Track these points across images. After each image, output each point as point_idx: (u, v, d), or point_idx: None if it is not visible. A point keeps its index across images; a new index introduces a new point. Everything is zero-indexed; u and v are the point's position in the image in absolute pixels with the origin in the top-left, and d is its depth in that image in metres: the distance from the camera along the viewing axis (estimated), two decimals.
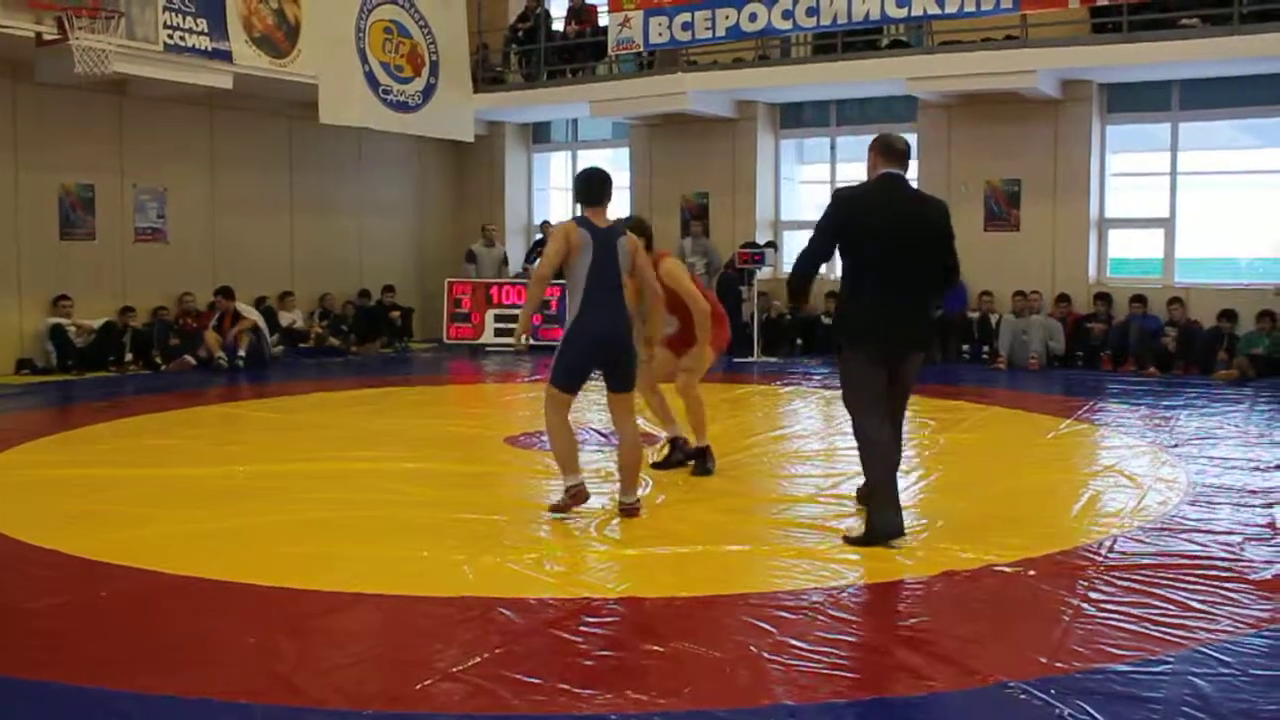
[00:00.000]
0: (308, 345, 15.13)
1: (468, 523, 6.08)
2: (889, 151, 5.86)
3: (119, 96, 13.62)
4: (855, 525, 5.85)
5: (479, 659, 4.04)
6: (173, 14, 12.22)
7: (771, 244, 15.54)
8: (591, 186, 6.26)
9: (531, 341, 7.37)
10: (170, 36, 12.13)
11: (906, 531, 5.66)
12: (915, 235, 5.65)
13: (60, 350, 12.91)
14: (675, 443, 7.60)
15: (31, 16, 10.43)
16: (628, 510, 6.19)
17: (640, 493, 6.38)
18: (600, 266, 6.06)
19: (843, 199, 5.88)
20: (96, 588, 4.99)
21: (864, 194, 5.83)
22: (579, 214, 6.27)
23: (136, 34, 11.31)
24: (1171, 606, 4.63)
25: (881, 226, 5.60)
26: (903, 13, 13.33)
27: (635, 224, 6.90)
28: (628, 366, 6.25)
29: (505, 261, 16.97)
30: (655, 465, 7.50)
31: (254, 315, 14.05)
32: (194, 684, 3.86)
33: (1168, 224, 14.08)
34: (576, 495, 6.21)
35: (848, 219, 5.70)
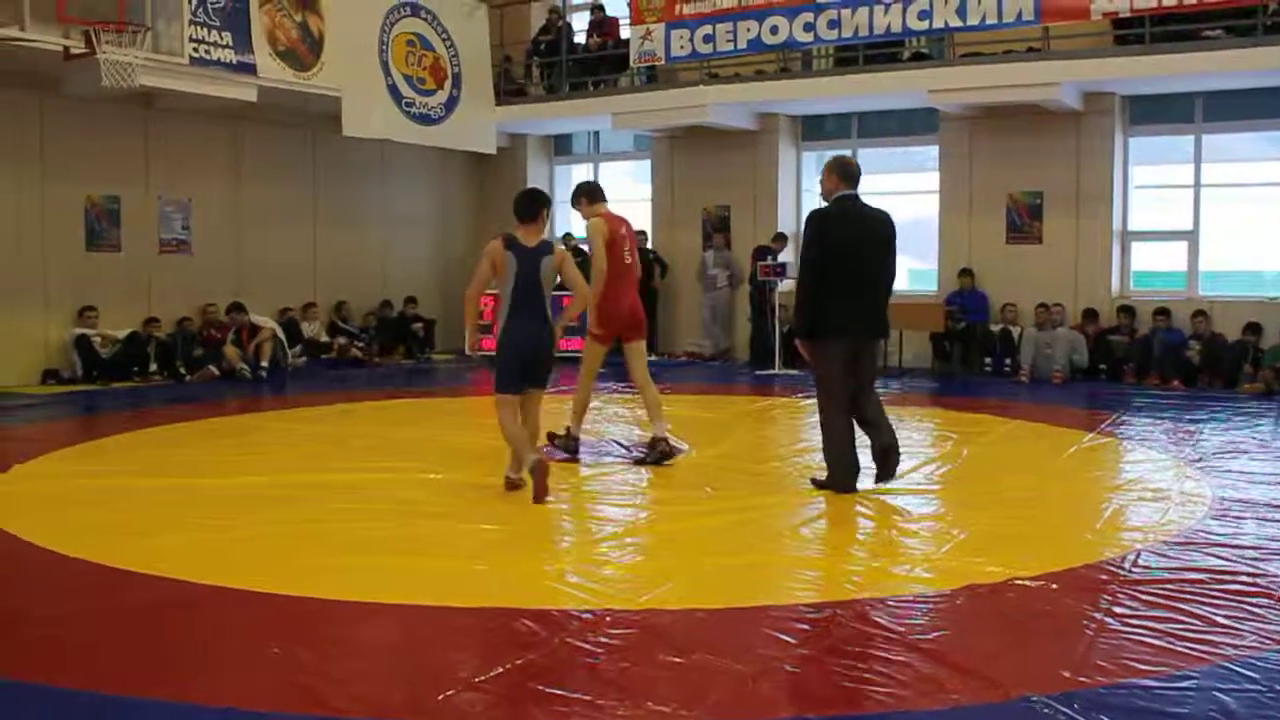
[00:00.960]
0: (330, 356, 15.20)
1: (489, 533, 6.11)
2: (846, 174, 7.17)
3: (144, 109, 13.75)
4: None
5: (501, 669, 4.05)
6: (198, 27, 12.31)
7: (776, 248, 15.43)
8: (522, 204, 7.07)
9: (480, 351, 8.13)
10: (195, 50, 12.23)
11: (931, 547, 5.69)
12: (875, 244, 7.04)
13: (85, 360, 13.00)
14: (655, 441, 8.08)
15: (60, 31, 10.53)
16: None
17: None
18: (524, 282, 6.88)
19: (820, 216, 7.04)
20: (120, 596, 5.02)
21: (836, 212, 7.06)
22: (510, 232, 7.00)
23: (162, 48, 11.41)
24: (1196, 621, 4.60)
25: (850, 238, 6.91)
26: (924, 25, 13.32)
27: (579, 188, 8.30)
28: (545, 368, 7.17)
29: None
30: (637, 461, 8.03)
31: (270, 325, 14.13)
32: (218, 692, 3.88)
33: (1191, 237, 14.00)
34: (539, 466, 6.77)
35: (824, 233, 6.91)
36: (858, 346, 7.00)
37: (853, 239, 6.91)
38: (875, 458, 7.10)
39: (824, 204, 7.26)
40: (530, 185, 18.03)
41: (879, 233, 7.11)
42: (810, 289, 6.93)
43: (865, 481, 7.12)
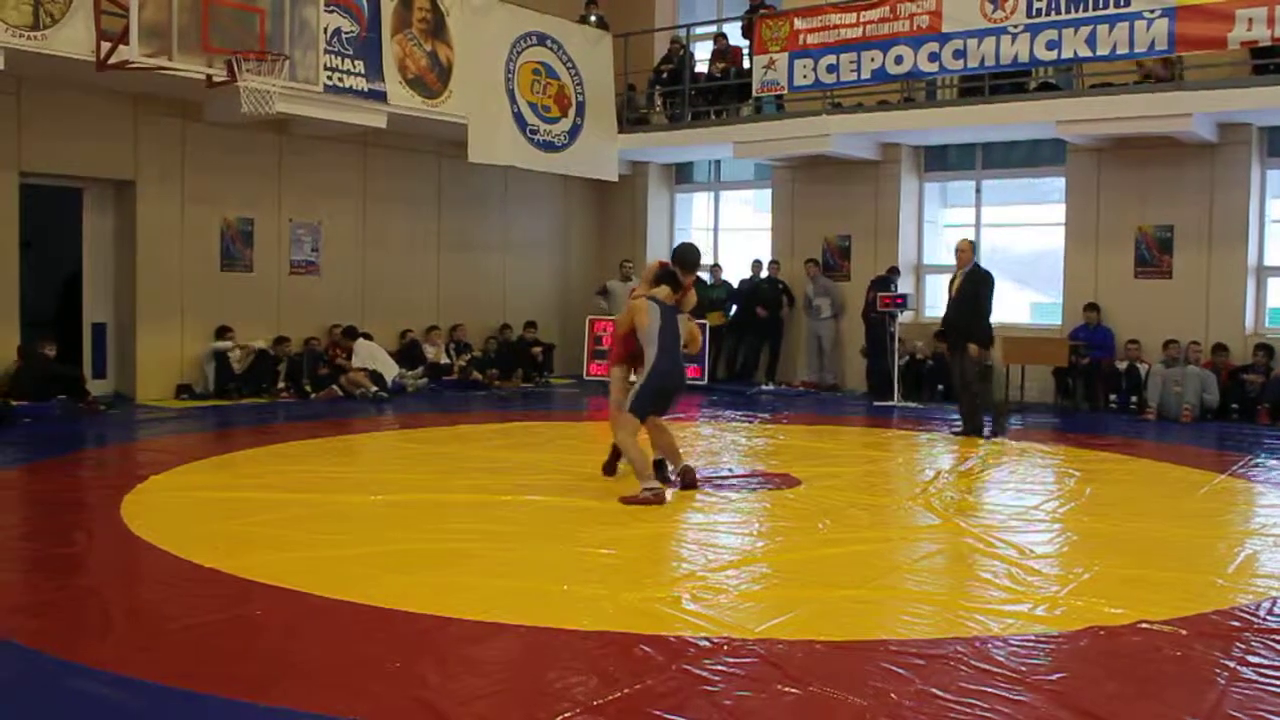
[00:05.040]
0: (451, 378, 15.47)
1: (606, 558, 6.16)
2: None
3: (279, 135, 14.21)
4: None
5: (619, 694, 4.08)
6: (333, 56, 12.71)
7: (899, 277, 15.31)
8: (689, 258, 8.51)
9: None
10: (330, 78, 12.61)
11: (1054, 586, 5.55)
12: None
13: (219, 375, 13.44)
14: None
15: (203, 60, 10.93)
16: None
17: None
18: (668, 325, 8.14)
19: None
20: (250, 606, 5.19)
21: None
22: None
23: (298, 76, 11.75)
24: None
25: None
26: (1052, 55, 13.11)
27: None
28: (677, 401, 8.67)
29: None
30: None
31: (367, 364, 14.34)
32: (342, 704, 3.97)
33: None
34: (688, 470, 8.19)
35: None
36: None
37: None
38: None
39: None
40: (649, 213, 18.28)
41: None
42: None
43: (979, 516, 6.98)
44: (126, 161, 13.05)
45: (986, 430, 11.32)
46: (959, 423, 11.67)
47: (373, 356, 14.49)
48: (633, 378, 8.41)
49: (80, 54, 10.82)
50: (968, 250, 11.53)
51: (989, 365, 11.63)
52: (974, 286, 11.35)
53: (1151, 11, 12.36)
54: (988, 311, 11.39)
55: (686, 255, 8.50)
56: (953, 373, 12.20)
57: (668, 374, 8.13)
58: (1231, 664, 4.54)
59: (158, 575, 5.83)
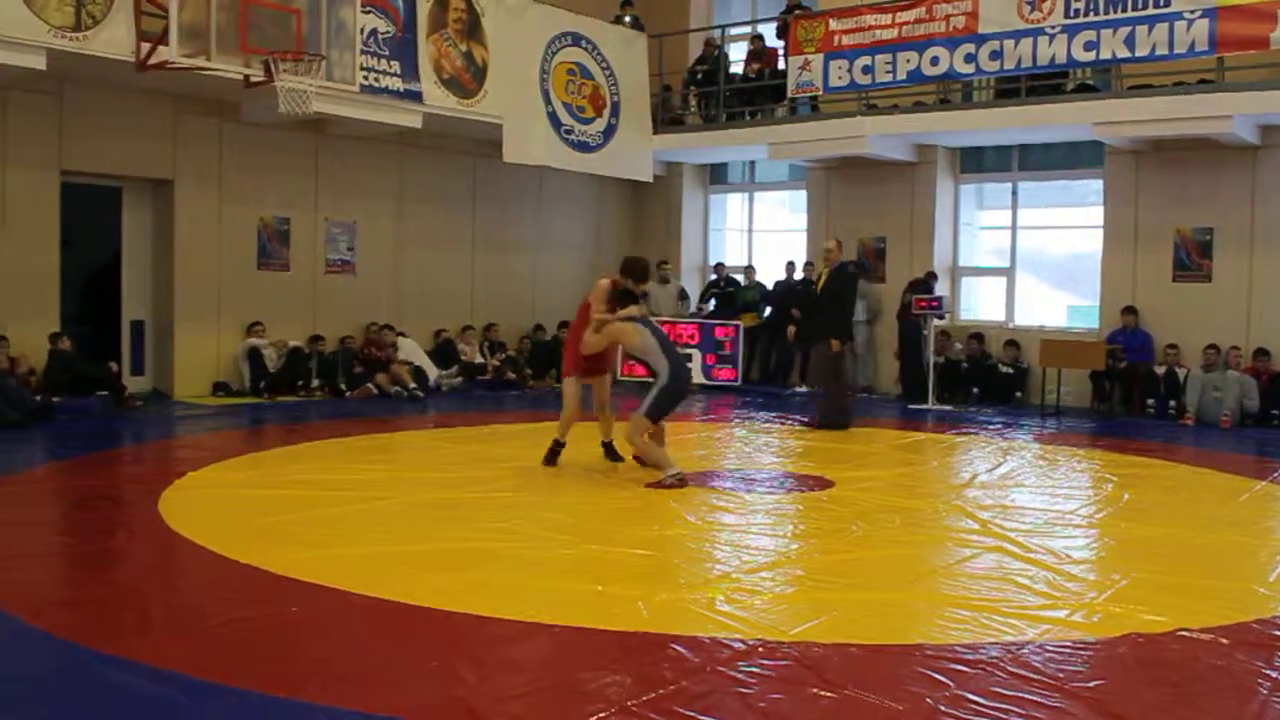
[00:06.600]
0: (485, 377, 15.52)
1: (640, 558, 6.16)
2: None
3: (316, 135, 14.29)
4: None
5: (653, 694, 4.08)
6: (369, 56, 12.78)
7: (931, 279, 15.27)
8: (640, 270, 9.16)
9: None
10: (366, 78, 12.68)
11: (1092, 592, 5.53)
12: None
13: (254, 372, 13.54)
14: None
15: (241, 60, 11.02)
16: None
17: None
18: (663, 337, 8.89)
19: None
20: (287, 603, 5.21)
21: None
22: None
23: (335, 76, 11.83)
24: None
25: None
26: (1090, 56, 13.02)
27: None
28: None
29: (683, 296, 17.06)
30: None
31: (409, 360, 14.45)
32: (380, 702, 3.99)
33: None
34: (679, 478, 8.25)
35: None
36: None
37: None
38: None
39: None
40: (683, 214, 18.27)
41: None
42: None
43: (1015, 521, 6.93)
44: (165, 161, 13.18)
45: (842, 421, 11.95)
46: (815, 416, 12.24)
47: (415, 354, 14.58)
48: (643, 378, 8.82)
49: (120, 54, 10.94)
50: (836, 249, 12.29)
51: (843, 358, 12.25)
52: (839, 284, 11.98)
53: (1192, 12, 12.25)
54: (850, 308, 12.25)
55: (635, 266, 9.14)
56: (810, 366, 13.38)
57: (681, 379, 8.72)
58: (1274, 674, 4.48)
59: (196, 571, 5.88)
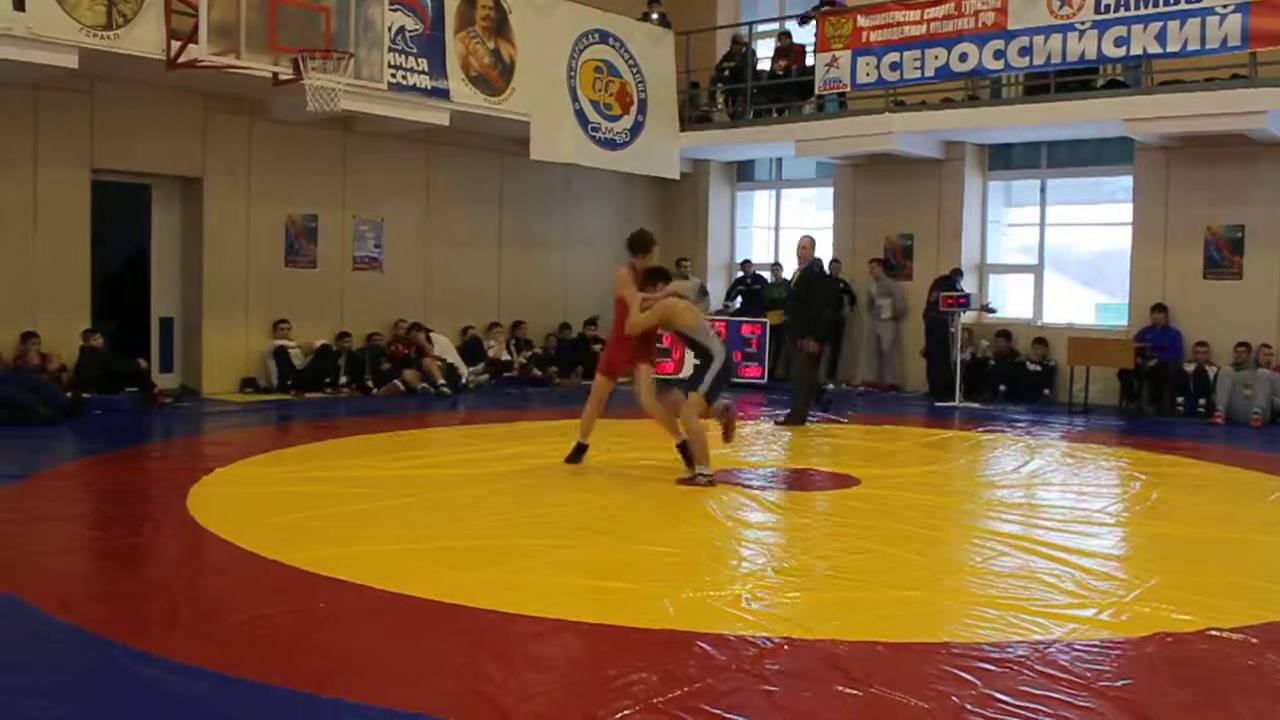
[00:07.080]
0: (512, 374, 15.54)
1: (665, 555, 6.15)
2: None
3: (343, 133, 14.35)
4: None
5: (679, 691, 4.08)
6: (397, 54, 12.83)
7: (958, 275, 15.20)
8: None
9: None
10: (394, 76, 12.73)
11: (1120, 591, 5.50)
12: None
13: (281, 370, 13.61)
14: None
15: (270, 58, 11.09)
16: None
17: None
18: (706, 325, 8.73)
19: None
20: (314, 599, 5.23)
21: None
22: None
23: (363, 74, 11.89)
24: None
25: None
26: (1120, 52, 12.92)
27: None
28: None
29: (704, 293, 17.01)
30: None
31: (440, 355, 14.52)
32: (406, 698, 4.00)
33: None
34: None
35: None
36: None
37: None
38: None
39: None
40: (710, 211, 18.24)
41: None
42: None
43: (1042, 519, 6.89)
44: (194, 158, 13.26)
45: (811, 419, 12.11)
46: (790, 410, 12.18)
47: (449, 352, 14.64)
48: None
49: (151, 53, 11.02)
50: (808, 248, 12.16)
51: (815, 355, 12.30)
52: (809, 284, 12.04)
53: (1224, 6, 12.13)
54: (820, 307, 12.21)
55: (634, 238, 9.24)
56: (790, 362, 13.52)
57: (730, 360, 8.65)
58: None
59: (223, 567, 5.91)
